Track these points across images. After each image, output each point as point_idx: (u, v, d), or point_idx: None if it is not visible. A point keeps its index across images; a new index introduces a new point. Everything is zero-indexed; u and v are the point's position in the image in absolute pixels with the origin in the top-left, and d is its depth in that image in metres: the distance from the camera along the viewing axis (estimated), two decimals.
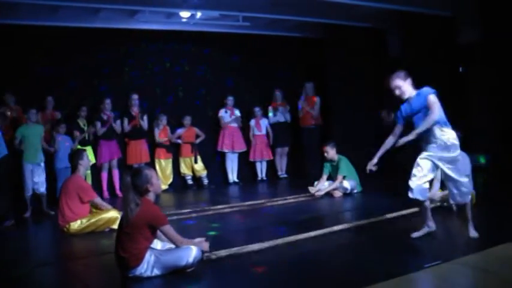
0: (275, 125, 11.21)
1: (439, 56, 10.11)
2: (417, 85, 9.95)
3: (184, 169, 10.55)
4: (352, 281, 4.26)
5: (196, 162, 10.48)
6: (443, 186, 7.24)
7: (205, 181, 10.61)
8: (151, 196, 4.60)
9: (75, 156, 6.92)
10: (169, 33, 10.47)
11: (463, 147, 7.11)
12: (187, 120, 10.52)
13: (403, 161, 10.43)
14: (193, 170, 10.58)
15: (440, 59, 10.12)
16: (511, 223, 6.21)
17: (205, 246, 4.86)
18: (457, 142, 5.39)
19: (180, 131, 10.53)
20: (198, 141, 10.60)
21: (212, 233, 6.14)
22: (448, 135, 5.33)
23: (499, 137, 8.93)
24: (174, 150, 10.52)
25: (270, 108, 11.24)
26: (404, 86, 5.60)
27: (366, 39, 11.25)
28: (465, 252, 4.97)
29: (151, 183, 4.57)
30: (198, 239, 4.88)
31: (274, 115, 11.22)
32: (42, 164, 8.31)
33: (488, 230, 6.12)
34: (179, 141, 10.50)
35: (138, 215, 4.40)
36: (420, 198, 5.34)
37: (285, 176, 11.40)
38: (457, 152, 5.41)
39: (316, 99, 11.08)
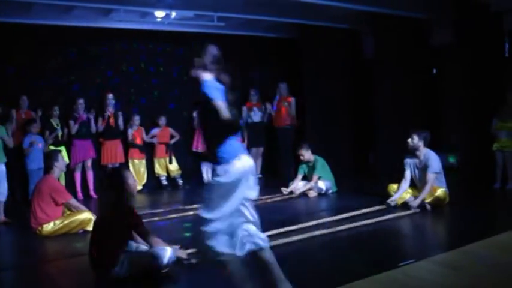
0: (250, 126, 11.21)
1: (413, 57, 10.22)
2: (390, 86, 10.14)
3: (159, 169, 10.49)
4: (328, 281, 4.30)
5: (171, 162, 10.43)
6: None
7: (180, 181, 10.57)
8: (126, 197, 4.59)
9: (50, 158, 6.83)
10: (144, 32, 10.38)
11: (434, 147, 7.27)
12: (162, 120, 10.46)
13: (377, 162, 10.62)
14: (168, 171, 10.53)
15: (413, 60, 10.23)
16: (481, 222, 6.35)
17: (182, 254, 4.86)
18: None
19: (155, 131, 10.47)
20: (172, 141, 10.55)
21: (188, 234, 6.13)
22: None
23: (469, 137, 9.06)
24: (149, 151, 10.45)
25: (245, 108, 11.23)
26: None
27: (341, 40, 11.30)
28: (438, 251, 5.06)
29: (128, 184, 4.56)
30: (175, 247, 4.86)
31: (249, 115, 11.22)
32: (3, 168, 7.61)
33: (459, 228, 6.26)
34: (154, 141, 10.44)
35: (114, 215, 4.38)
36: None
37: (260, 176, 11.40)
38: None
39: (291, 99, 11.11)
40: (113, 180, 4.51)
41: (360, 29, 11.40)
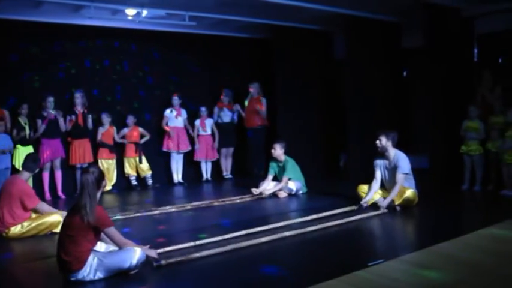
0: (220, 126, 11.18)
1: (384, 59, 10.32)
2: (362, 88, 10.23)
3: (129, 169, 10.38)
4: (297, 281, 4.30)
5: (141, 162, 10.32)
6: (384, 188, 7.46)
7: (150, 181, 10.48)
8: (98, 195, 4.53)
9: (26, 159, 6.69)
10: (115, 30, 10.25)
11: (405, 148, 7.34)
12: (131, 119, 10.36)
13: (347, 163, 10.69)
14: (137, 170, 10.44)
15: (384, 62, 10.33)
16: (450, 222, 6.44)
17: (153, 253, 4.82)
18: None
19: (124, 131, 10.37)
20: (142, 141, 10.44)
21: (158, 235, 6.08)
22: None
23: (439, 138, 9.17)
24: (118, 150, 10.34)
25: (216, 108, 11.20)
26: None
27: (313, 41, 11.36)
28: (407, 250, 5.11)
29: (105, 181, 4.55)
30: (144, 247, 4.81)
31: (220, 115, 11.19)
32: None
33: (428, 228, 6.34)
34: (124, 141, 10.33)
35: (81, 216, 4.30)
36: None
37: (230, 176, 11.39)
38: None
39: (263, 100, 11.12)
40: (97, 175, 4.45)
41: (331, 30, 11.48)
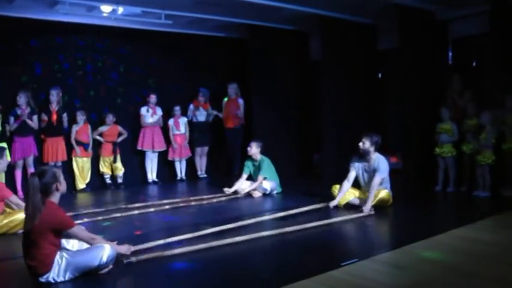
0: (195, 125, 11.14)
1: (359, 60, 10.38)
2: (337, 88, 10.27)
3: (104, 168, 10.27)
4: (271, 281, 4.29)
5: (115, 161, 10.23)
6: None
7: (120, 180, 10.38)
8: (57, 197, 4.42)
9: None
10: (91, 27, 10.11)
11: (378, 149, 7.38)
12: (109, 118, 10.24)
13: (322, 163, 10.71)
14: (112, 169, 10.33)
15: (359, 63, 10.39)
16: (423, 222, 6.50)
17: (125, 249, 4.75)
18: None
19: (102, 129, 10.25)
20: (120, 139, 10.36)
21: (129, 233, 6.02)
22: None
23: (413, 140, 9.24)
24: (94, 148, 10.21)
25: (191, 106, 11.15)
26: None
27: (289, 41, 11.37)
28: (380, 250, 5.13)
29: (60, 182, 4.41)
30: (114, 244, 4.75)
31: (195, 114, 11.15)
32: None
33: (401, 229, 6.39)
34: (100, 139, 10.21)
35: (42, 220, 4.19)
36: None
37: (205, 176, 11.35)
38: None
39: (240, 100, 11.14)
40: (45, 178, 4.32)
41: (308, 31, 11.52)
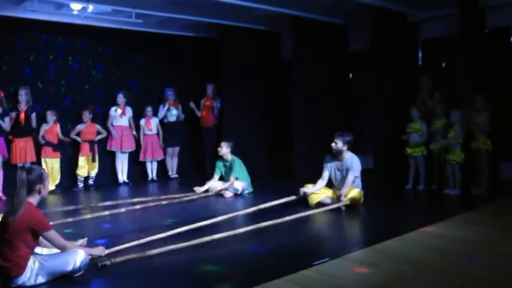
0: (166, 125, 11.07)
1: (330, 60, 10.41)
2: (309, 88, 10.29)
3: (82, 168, 10.13)
4: (242, 281, 4.28)
5: (94, 160, 10.09)
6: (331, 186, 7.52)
7: (91, 181, 10.26)
8: (37, 199, 4.35)
9: None
10: (60, 25, 9.93)
11: (350, 148, 7.42)
12: (86, 115, 10.08)
13: (294, 163, 10.72)
14: (88, 169, 10.21)
15: (331, 63, 10.42)
16: (393, 221, 6.55)
17: (98, 251, 4.68)
18: None
19: (79, 127, 10.10)
20: (98, 138, 10.23)
21: (102, 235, 5.94)
22: None
23: (383, 139, 9.32)
24: (76, 148, 10.11)
25: (161, 106, 11.07)
26: None
27: (260, 41, 11.37)
28: (352, 249, 5.15)
29: (44, 186, 4.35)
30: (88, 248, 4.69)
31: (165, 115, 11.07)
32: None
33: (373, 227, 6.43)
34: (78, 138, 10.07)
35: (20, 219, 4.11)
36: None
37: (176, 176, 11.28)
38: None
39: (215, 102, 11.18)
40: (33, 176, 4.26)
41: (279, 31, 11.53)
